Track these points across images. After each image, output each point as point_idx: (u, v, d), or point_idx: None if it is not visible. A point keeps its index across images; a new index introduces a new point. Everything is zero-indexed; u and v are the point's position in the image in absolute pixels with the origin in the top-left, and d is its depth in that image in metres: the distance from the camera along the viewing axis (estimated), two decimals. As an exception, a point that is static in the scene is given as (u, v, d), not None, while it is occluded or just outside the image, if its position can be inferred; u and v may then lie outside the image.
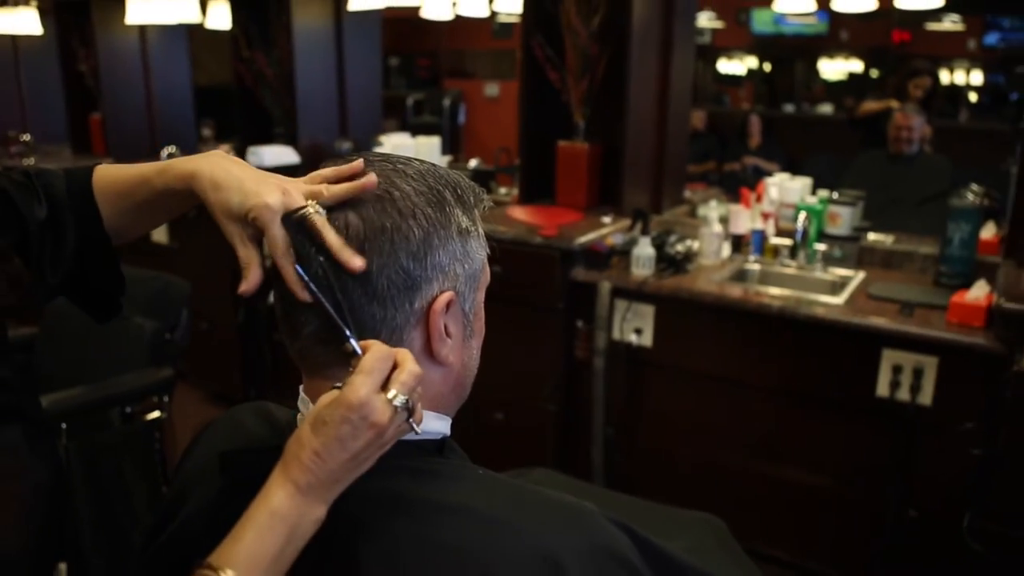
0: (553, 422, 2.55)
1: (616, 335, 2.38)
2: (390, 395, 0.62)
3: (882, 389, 2.03)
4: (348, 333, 0.65)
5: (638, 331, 2.35)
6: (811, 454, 2.20)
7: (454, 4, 3.35)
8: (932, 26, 6.51)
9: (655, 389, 2.41)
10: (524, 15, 2.83)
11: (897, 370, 2.00)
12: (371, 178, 0.67)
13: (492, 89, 6.94)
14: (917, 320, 2.01)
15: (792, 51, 7.33)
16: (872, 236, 2.59)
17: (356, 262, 0.65)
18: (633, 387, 2.42)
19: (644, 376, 2.41)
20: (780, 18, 7.00)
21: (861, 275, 2.40)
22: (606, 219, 2.66)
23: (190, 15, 3.93)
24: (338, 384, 0.63)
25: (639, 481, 2.45)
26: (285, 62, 3.58)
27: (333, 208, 0.67)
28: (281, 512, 0.61)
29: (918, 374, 1.97)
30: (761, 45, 7.40)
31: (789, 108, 6.95)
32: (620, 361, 2.40)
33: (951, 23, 6.46)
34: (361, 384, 0.61)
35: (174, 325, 2.05)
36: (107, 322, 0.87)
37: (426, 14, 3.27)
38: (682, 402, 2.38)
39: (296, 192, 0.69)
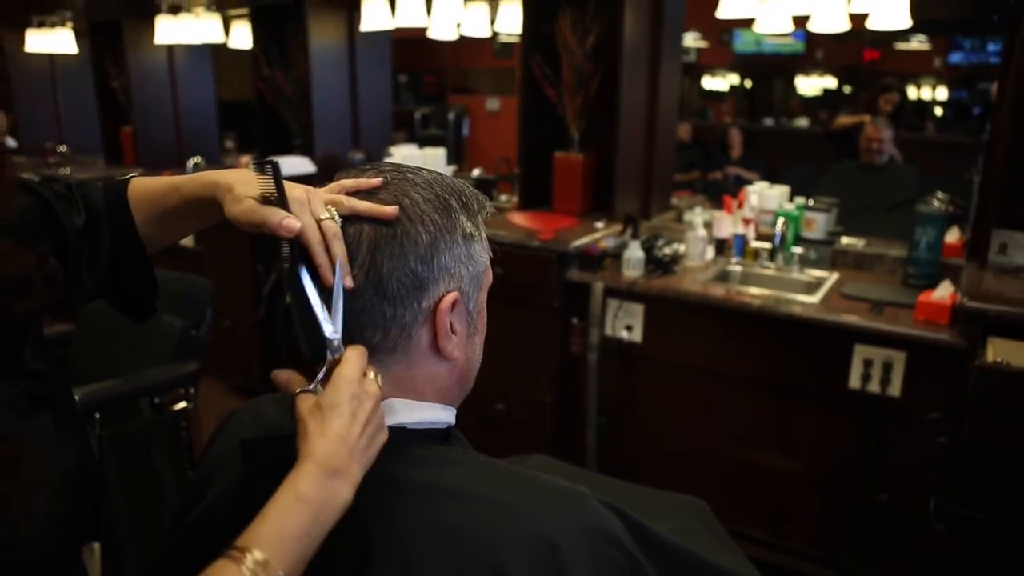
0: (550, 412, 2.55)
1: (608, 332, 2.38)
2: (373, 376, 0.66)
3: (854, 382, 2.03)
4: (331, 331, 0.66)
5: (629, 328, 2.35)
6: (788, 442, 2.20)
7: (458, 25, 3.35)
8: (901, 46, 6.52)
9: (644, 382, 2.41)
10: (523, 36, 2.83)
11: (868, 364, 2.00)
12: (393, 209, 0.68)
13: (493, 104, 6.93)
14: (887, 318, 2.01)
15: (771, 69, 7.34)
16: (845, 240, 2.59)
17: (348, 281, 0.66)
18: (624, 380, 2.42)
19: (634, 370, 2.41)
20: (760, 38, 7.01)
21: (835, 276, 2.40)
22: (599, 224, 2.66)
23: (214, 36, 3.94)
24: (307, 389, 0.66)
25: (629, 467, 2.45)
26: (302, 79, 3.58)
27: (348, 216, 0.68)
28: (307, 496, 0.60)
29: (887, 368, 1.97)
30: (743, 63, 7.41)
31: (768, 121, 6.95)
32: (612, 356, 2.40)
33: (918, 43, 6.47)
34: (353, 365, 0.65)
35: (199, 322, 2.05)
36: (142, 323, 0.87)
37: (432, 35, 3.27)
38: (669, 394, 2.38)
39: (317, 199, 0.69)
